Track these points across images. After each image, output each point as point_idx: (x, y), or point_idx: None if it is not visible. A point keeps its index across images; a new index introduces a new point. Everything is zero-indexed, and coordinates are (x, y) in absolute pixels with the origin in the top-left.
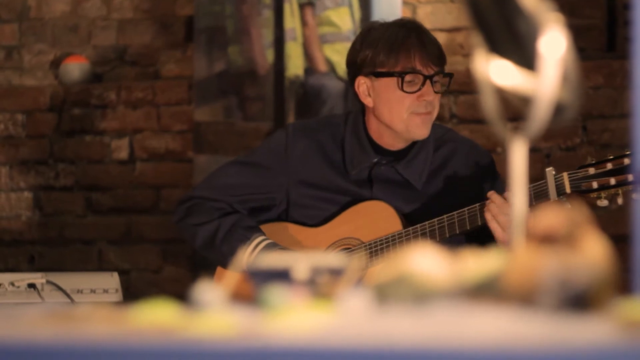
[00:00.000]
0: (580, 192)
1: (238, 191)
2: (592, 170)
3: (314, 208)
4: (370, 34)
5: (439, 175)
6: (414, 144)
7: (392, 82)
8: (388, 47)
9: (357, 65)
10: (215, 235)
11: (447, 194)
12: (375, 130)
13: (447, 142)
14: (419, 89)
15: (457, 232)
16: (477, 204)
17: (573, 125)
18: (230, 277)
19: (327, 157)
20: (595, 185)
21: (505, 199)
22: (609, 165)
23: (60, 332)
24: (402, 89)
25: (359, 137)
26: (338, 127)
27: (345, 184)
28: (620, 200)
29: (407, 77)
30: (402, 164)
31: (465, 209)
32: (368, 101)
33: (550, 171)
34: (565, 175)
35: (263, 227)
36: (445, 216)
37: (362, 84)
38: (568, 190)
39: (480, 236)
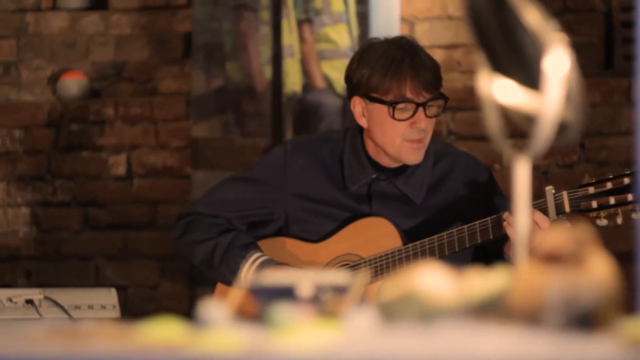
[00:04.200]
0: (580, 212)
1: (236, 207)
2: (591, 190)
3: (313, 223)
4: (367, 53)
5: (438, 190)
6: None
7: (384, 108)
8: (381, 72)
9: (352, 84)
10: (212, 254)
11: (446, 208)
12: (372, 149)
13: (445, 156)
14: (411, 116)
15: (457, 250)
16: (477, 222)
17: (571, 142)
18: (233, 294)
19: (326, 172)
20: (594, 204)
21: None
22: (609, 185)
23: (66, 349)
24: (393, 117)
25: (358, 154)
26: (337, 143)
27: (344, 199)
28: (619, 220)
29: (398, 106)
30: (400, 179)
31: (465, 226)
32: (362, 122)
33: (549, 190)
34: (564, 194)
35: (262, 243)
36: (445, 233)
37: (358, 105)
38: (567, 209)
39: (485, 255)
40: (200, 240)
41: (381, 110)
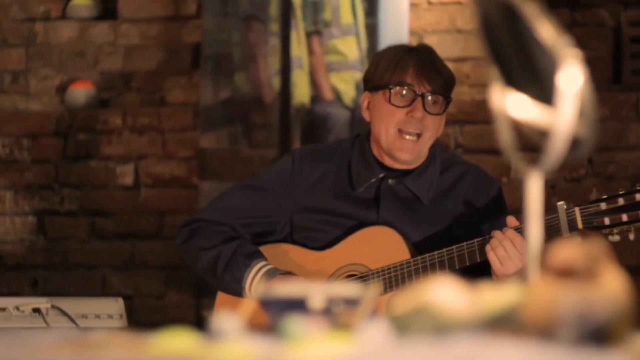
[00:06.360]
0: (592, 228)
1: (242, 214)
2: (603, 206)
3: (318, 231)
4: (381, 52)
5: (446, 197)
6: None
7: (384, 94)
8: (386, 62)
9: (364, 82)
10: (216, 262)
11: (454, 216)
12: (376, 150)
13: (454, 165)
14: (409, 105)
15: (467, 263)
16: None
17: (582, 157)
18: (244, 305)
19: (333, 181)
20: (607, 221)
21: (504, 234)
22: (621, 201)
23: (77, 359)
24: (389, 101)
25: (365, 156)
26: (345, 151)
27: (350, 207)
28: (632, 236)
29: (396, 90)
30: (409, 178)
31: (475, 240)
32: (366, 115)
33: (561, 205)
34: (577, 210)
35: (265, 249)
36: (454, 247)
37: (365, 99)
38: (580, 226)
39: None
40: (204, 247)
41: (382, 96)
